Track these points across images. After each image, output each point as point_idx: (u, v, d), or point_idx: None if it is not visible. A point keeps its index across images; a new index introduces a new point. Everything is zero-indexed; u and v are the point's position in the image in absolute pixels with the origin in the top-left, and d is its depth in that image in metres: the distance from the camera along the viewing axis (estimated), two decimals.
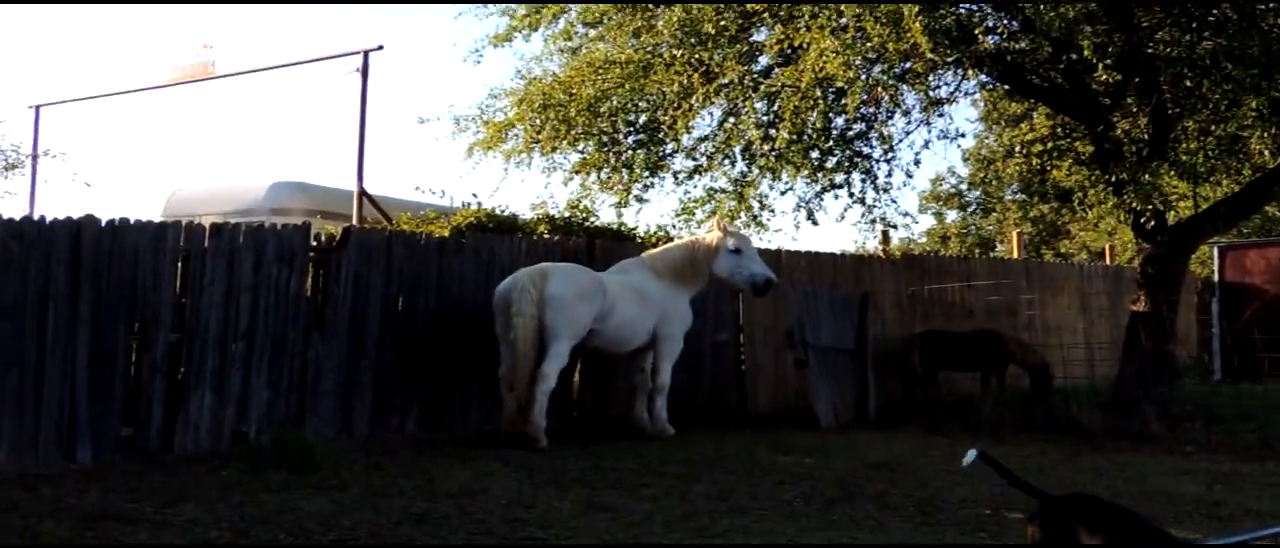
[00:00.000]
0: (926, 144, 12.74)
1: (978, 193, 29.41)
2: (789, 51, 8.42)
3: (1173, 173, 9.10)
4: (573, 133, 9.57)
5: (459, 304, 8.19)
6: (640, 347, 8.16)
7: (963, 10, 8.50)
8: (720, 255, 8.21)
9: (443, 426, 7.97)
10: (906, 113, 9.94)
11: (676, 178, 10.36)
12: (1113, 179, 9.20)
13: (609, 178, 10.03)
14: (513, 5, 9.78)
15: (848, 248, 15.03)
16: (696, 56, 8.81)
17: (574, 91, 9.44)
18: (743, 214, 10.05)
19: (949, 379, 11.02)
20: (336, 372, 7.48)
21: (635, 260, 8.45)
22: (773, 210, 10.25)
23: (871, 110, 9.56)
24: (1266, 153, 10.30)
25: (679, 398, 8.85)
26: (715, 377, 9.90)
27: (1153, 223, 9.54)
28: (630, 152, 10.01)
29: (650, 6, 9.07)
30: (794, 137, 8.70)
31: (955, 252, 25.60)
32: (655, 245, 9.15)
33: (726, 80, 8.96)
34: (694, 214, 9.98)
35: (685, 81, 8.92)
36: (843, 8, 7.81)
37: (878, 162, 9.97)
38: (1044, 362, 10.53)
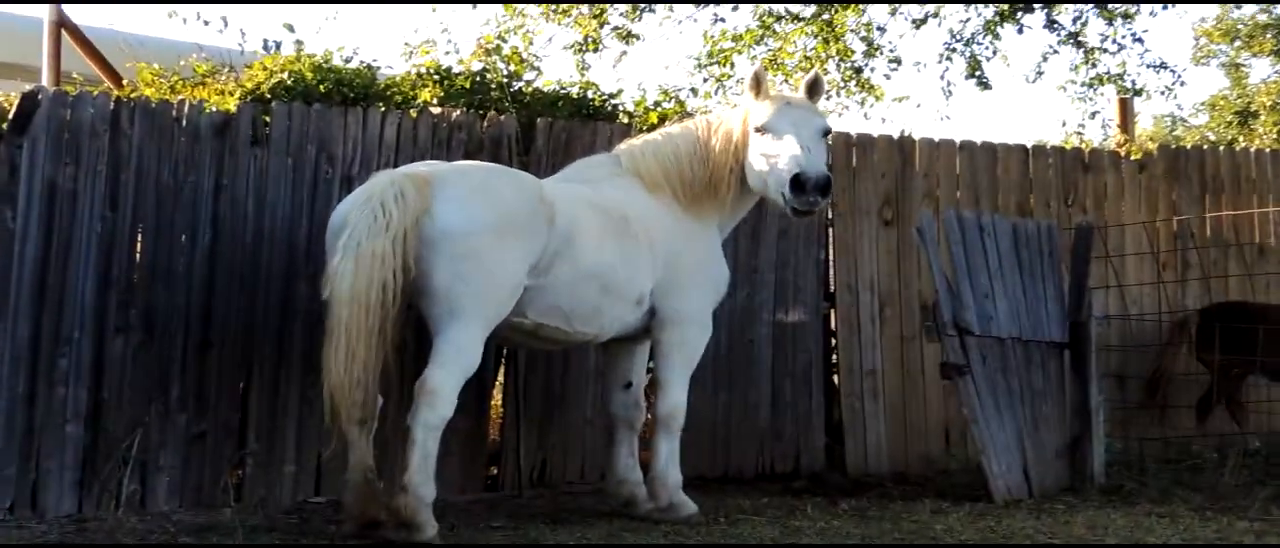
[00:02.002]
0: None
1: None
2: None
3: None
4: None
5: (258, 246, 8.32)
6: (625, 335, 8.23)
7: None
8: (749, 142, 8.20)
9: (223, 496, 8.09)
10: None
11: None
12: None
13: None
14: None
15: (1049, 137, 14.84)
16: None
17: None
18: (832, 65, 9.85)
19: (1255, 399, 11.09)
20: (10, 384, 7.62)
21: (605, 159, 8.54)
22: (895, 59, 10.08)
23: None
24: None
25: (705, 439, 8.95)
26: (780, 399, 9.96)
27: None
28: None
29: None
30: None
31: (1269, 144, 25.48)
32: (653, 130, 9.17)
33: None
34: (730, 65, 9.82)
35: None
36: None
37: None
38: None
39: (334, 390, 6.94)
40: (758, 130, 8.04)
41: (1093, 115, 10.00)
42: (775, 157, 7.93)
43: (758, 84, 8.17)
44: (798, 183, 7.72)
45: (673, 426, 8.20)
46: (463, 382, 7.28)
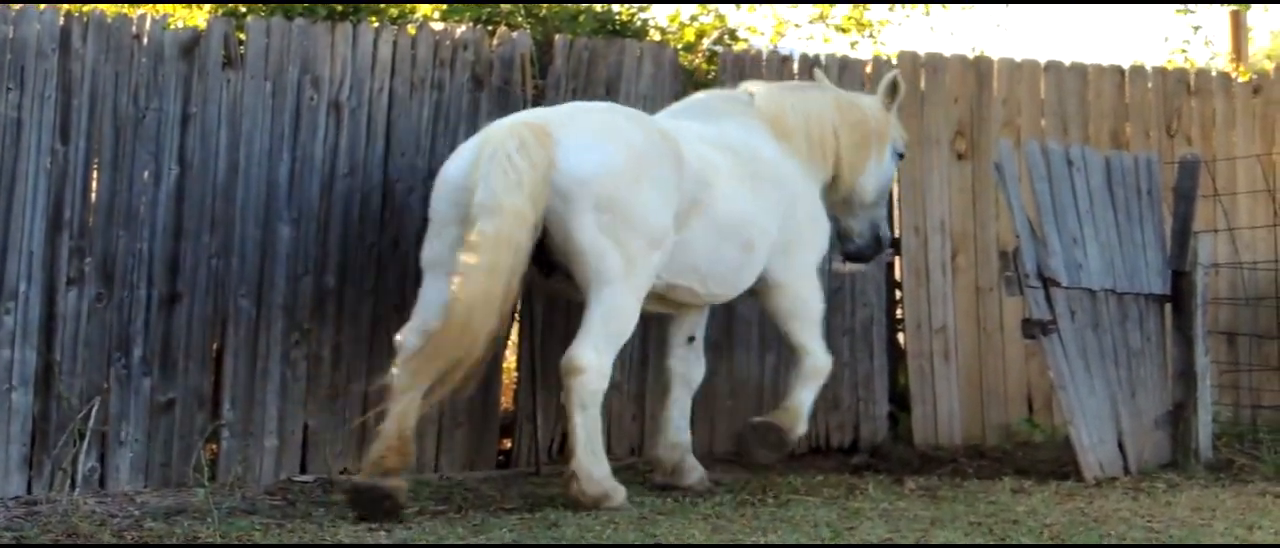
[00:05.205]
0: None
1: None
2: None
3: None
4: None
5: (232, 183, 8.29)
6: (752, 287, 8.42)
7: None
8: (888, 147, 8.91)
9: (194, 474, 7.95)
10: None
11: None
12: None
13: None
14: None
15: (1149, 57, 14.69)
16: None
17: None
18: None
19: None
20: None
21: (733, 95, 8.69)
22: None
23: None
24: None
25: (750, 407, 9.01)
26: (836, 361, 9.49)
27: None
28: None
29: None
30: None
31: None
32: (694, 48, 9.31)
33: None
34: None
35: None
36: None
37: None
38: None
39: (452, 368, 7.12)
40: (899, 155, 9.07)
41: (1195, 30, 9.72)
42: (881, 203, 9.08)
43: (893, 93, 8.95)
44: (864, 249, 9.05)
45: (817, 380, 8.57)
46: (617, 350, 7.58)
